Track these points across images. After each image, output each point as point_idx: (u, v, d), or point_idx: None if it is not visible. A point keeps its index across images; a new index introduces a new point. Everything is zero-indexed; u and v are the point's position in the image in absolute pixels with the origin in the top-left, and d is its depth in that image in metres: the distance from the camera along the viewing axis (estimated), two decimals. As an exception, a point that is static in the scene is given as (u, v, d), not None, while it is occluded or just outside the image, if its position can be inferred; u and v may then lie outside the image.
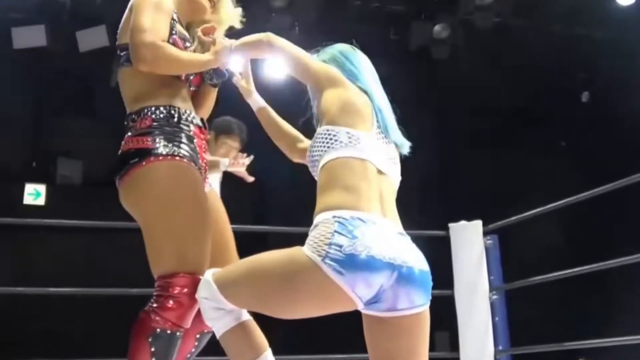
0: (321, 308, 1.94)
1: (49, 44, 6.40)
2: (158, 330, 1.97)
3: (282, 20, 6.45)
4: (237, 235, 2.32)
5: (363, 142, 1.97)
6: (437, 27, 6.97)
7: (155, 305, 2.00)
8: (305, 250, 1.86)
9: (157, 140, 2.07)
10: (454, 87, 7.62)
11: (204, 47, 2.22)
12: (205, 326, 2.16)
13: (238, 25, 2.37)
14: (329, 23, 6.70)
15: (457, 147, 8.41)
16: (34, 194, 7.35)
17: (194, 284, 2.00)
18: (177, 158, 2.06)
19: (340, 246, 1.81)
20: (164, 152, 2.05)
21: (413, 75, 7.26)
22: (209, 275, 1.98)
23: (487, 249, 4.09)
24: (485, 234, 4.11)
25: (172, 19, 2.19)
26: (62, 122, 7.58)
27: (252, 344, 2.02)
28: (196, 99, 2.31)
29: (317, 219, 1.90)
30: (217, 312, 1.98)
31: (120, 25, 2.22)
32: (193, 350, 2.25)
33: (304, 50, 2.16)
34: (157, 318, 1.98)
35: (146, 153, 2.05)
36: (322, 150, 1.98)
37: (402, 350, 1.91)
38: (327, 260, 1.81)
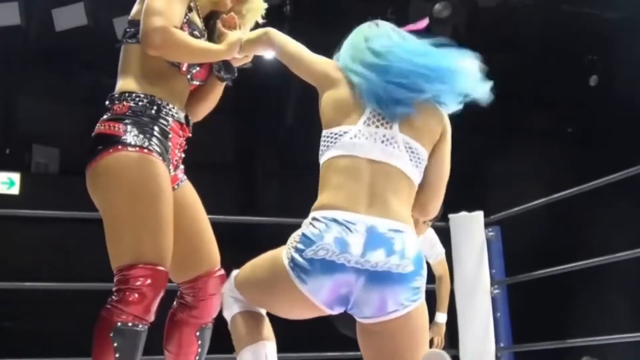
0: (298, 312, 2.00)
1: (23, 23, 6.36)
2: (119, 324, 2.01)
3: (272, -2, 6.42)
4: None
5: (346, 136, 1.98)
6: (437, 6, 6.96)
7: (116, 299, 2.04)
8: (283, 252, 1.92)
9: (129, 129, 2.11)
10: (454, 69, 7.59)
11: (220, 39, 2.26)
12: (204, 321, 2.26)
13: (261, 20, 2.42)
14: (321, 1, 6.68)
15: (456, 132, 8.39)
16: (8, 182, 7.33)
17: (155, 276, 2.05)
18: (145, 150, 2.10)
19: (302, 250, 1.86)
20: (132, 143, 2.10)
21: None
22: (234, 271, 2.11)
23: (488, 241, 4.11)
24: (486, 225, 4.13)
25: (189, 7, 2.23)
26: (37, 107, 7.54)
27: (257, 330, 2.06)
28: (199, 92, 2.37)
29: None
30: (233, 300, 2.09)
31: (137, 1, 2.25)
32: (199, 350, 2.29)
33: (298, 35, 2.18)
34: (119, 312, 2.02)
35: (115, 141, 2.10)
36: (320, 157, 2.04)
37: (395, 352, 1.93)
38: (292, 264, 1.87)
